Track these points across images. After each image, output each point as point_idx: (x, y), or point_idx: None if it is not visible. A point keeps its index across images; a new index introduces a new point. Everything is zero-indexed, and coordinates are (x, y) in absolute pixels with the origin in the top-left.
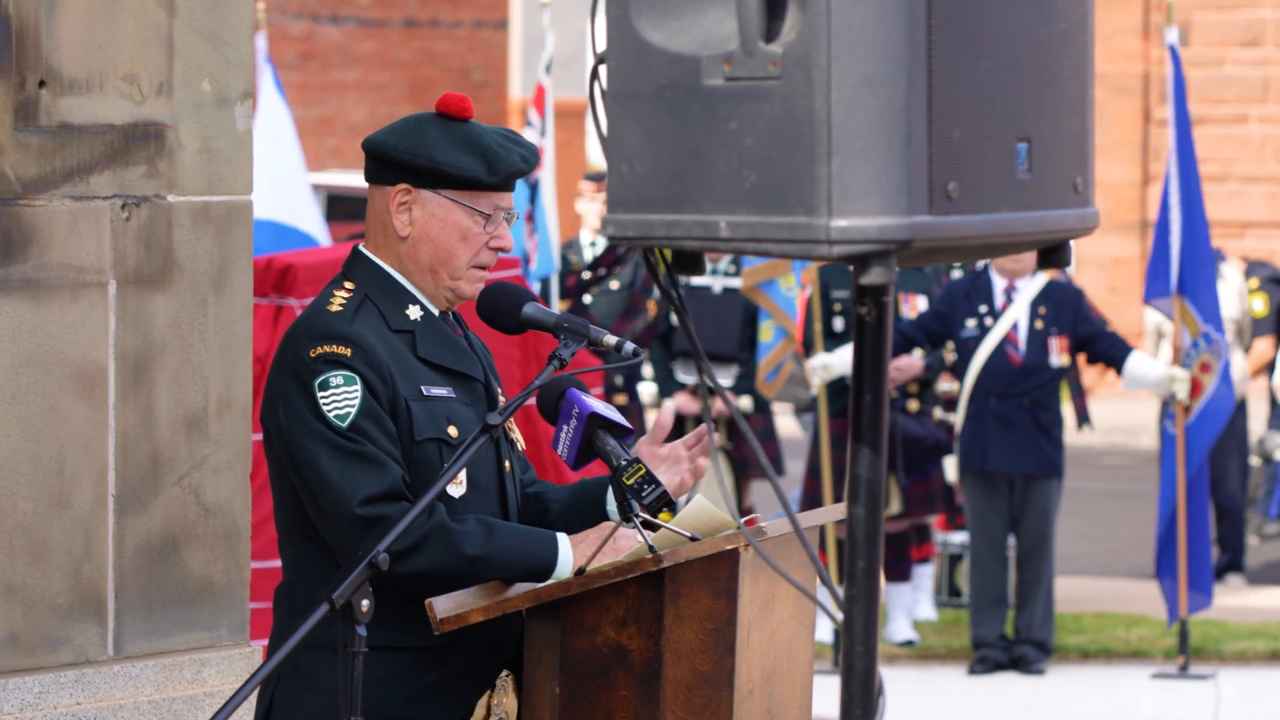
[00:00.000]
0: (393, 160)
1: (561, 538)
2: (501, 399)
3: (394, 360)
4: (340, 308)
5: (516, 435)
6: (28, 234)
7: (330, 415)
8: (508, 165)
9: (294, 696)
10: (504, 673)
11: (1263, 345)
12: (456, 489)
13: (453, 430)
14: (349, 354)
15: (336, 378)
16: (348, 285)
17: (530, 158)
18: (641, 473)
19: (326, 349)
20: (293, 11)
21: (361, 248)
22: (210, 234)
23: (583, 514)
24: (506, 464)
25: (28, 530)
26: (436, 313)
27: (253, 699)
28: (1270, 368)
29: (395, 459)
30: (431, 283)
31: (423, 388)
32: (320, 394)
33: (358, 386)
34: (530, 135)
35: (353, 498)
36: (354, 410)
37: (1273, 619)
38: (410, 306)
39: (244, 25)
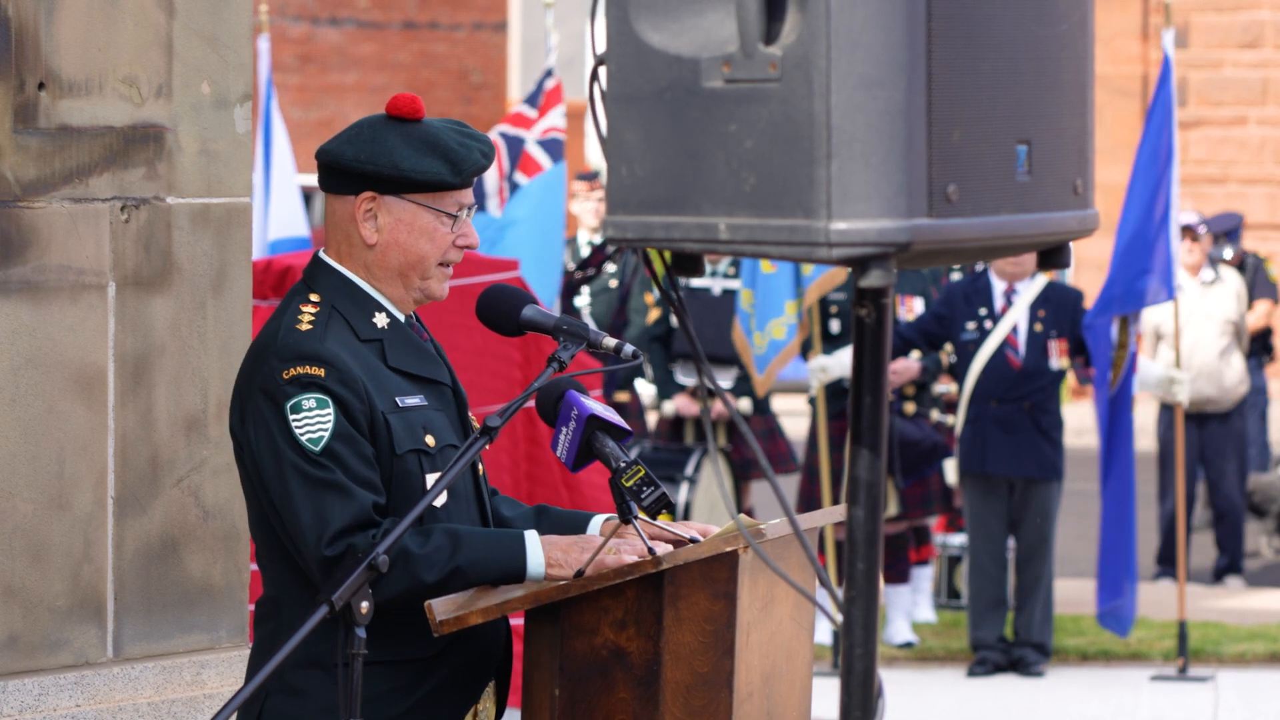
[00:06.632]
0: (354, 171)
1: (530, 537)
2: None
3: (367, 373)
4: (310, 325)
5: None
6: (27, 236)
7: (303, 439)
8: (471, 164)
9: (284, 711)
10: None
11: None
12: (439, 499)
13: (430, 439)
14: (323, 374)
15: (309, 400)
16: (313, 298)
17: (488, 152)
18: (640, 474)
19: (299, 370)
20: (292, 14)
21: (323, 255)
22: (209, 236)
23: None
24: (480, 468)
25: (27, 532)
26: (402, 318)
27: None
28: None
29: (367, 484)
30: (401, 287)
31: (397, 399)
32: (292, 417)
33: (330, 409)
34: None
35: (320, 536)
36: (326, 434)
37: (1272, 621)
38: (377, 314)
39: (243, 27)
